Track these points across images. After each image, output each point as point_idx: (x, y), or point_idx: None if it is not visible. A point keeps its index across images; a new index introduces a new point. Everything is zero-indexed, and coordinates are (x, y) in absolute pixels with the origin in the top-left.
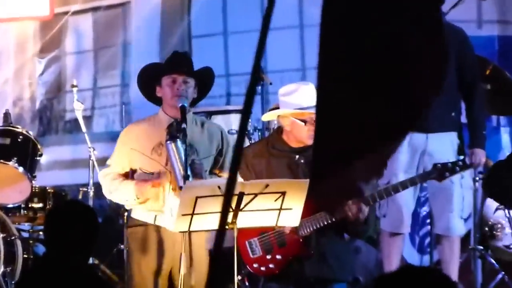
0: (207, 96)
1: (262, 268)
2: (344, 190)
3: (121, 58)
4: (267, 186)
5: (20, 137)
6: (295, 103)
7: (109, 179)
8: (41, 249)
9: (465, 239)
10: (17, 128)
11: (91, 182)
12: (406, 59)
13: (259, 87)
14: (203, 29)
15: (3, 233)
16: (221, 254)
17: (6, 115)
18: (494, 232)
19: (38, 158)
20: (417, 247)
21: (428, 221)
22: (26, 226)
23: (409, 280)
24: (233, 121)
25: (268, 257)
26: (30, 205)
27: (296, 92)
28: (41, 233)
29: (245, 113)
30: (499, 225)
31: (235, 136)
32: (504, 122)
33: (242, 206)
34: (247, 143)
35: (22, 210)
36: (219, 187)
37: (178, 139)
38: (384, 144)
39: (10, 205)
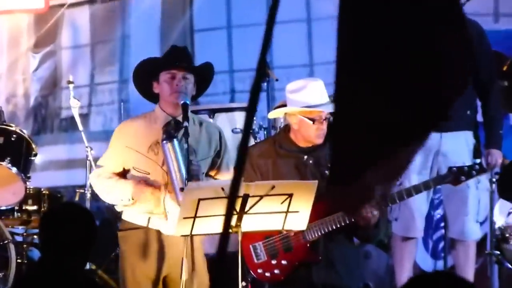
0: (210, 93)
1: (267, 274)
2: (365, 193)
3: (119, 53)
4: (273, 187)
5: (14, 136)
6: (303, 100)
7: (103, 179)
8: (35, 253)
9: (481, 244)
10: (11, 126)
11: (88, 183)
12: (428, 57)
13: (265, 84)
14: (206, 22)
15: None
16: (225, 259)
17: None
18: (508, 235)
19: (32, 158)
20: (431, 252)
21: (442, 224)
22: (19, 229)
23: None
24: (238, 119)
25: (273, 262)
26: (24, 208)
27: (305, 89)
28: (35, 237)
29: (250, 111)
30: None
31: (240, 135)
32: None
33: (246, 208)
34: (252, 142)
35: (15, 213)
36: (222, 189)
37: (175, 139)
38: (406, 145)
39: (3, 208)
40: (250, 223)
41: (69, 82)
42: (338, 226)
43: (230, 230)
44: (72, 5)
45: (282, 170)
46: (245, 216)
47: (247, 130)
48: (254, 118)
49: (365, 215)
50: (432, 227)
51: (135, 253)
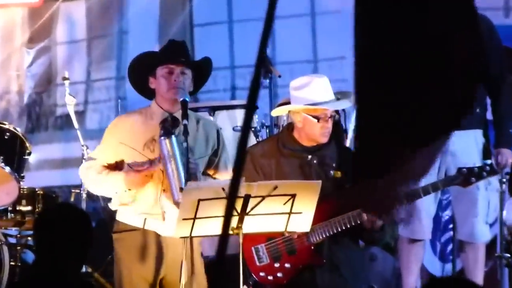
0: (211, 90)
1: (270, 277)
2: (390, 193)
3: (116, 49)
4: (275, 188)
5: (7, 134)
6: (307, 97)
7: (93, 172)
8: (29, 256)
9: (490, 246)
10: (4, 124)
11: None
12: (439, 55)
13: (267, 80)
14: (206, 16)
15: None
16: (224, 262)
17: None
18: None
19: (26, 157)
20: (439, 255)
21: (451, 226)
22: (13, 231)
23: None
24: (239, 117)
25: (276, 265)
26: (17, 208)
27: (309, 86)
28: (29, 238)
29: (249, 108)
30: None
31: None
32: None
33: (248, 209)
34: (254, 141)
35: (9, 214)
36: (223, 189)
37: (173, 135)
38: (428, 145)
39: None
40: (252, 225)
41: (65, 79)
42: (344, 228)
43: (231, 232)
44: None
45: (286, 170)
46: (246, 218)
47: (246, 128)
48: (256, 116)
49: (371, 217)
50: (440, 229)
51: (131, 255)
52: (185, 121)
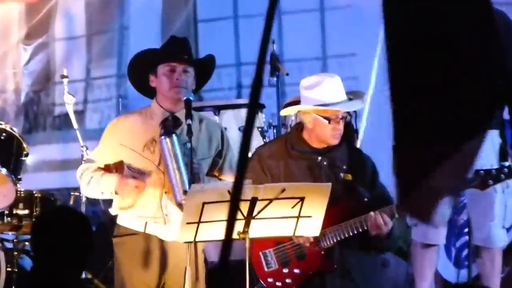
0: (216, 88)
1: (278, 283)
2: (433, 195)
3: (117, 45)
4: (283, 190)
5: (3, 134)
6: (318, 98)
7: (89, 172)
8: (26, 261)
9: (507, 251)
10: (0, 124)
11: None
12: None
13: (275, 78)
14: (210, 12)
15: None
16: (227, 267)
17: None
18: None
19: (23, 158)
20: (454, 260)
21: (466, 230)
22: (9, 235)
23: None
24: (245, 117)
25: (285, 271)
26: (14, 212)
27: (320, 86)
28: (26, 243)
29: (252, 107)
30: None
31: None
32: None
33: (255, 213)
34: (261, 141)
35: (5, 218)
36: (229, 192)
37: (174, 134)
38: (468, 142)
39: None
40: (259, 229)
41: (63, 77)
42: (355, 232)
43: (237, 237)
44: None
45: (294, 172)
46: (253, 221)
47: (249, 128)
48: (263, 115)
49: (377, 223)
50: (455, 233)
51: (132, 260)
52: (188, 121)
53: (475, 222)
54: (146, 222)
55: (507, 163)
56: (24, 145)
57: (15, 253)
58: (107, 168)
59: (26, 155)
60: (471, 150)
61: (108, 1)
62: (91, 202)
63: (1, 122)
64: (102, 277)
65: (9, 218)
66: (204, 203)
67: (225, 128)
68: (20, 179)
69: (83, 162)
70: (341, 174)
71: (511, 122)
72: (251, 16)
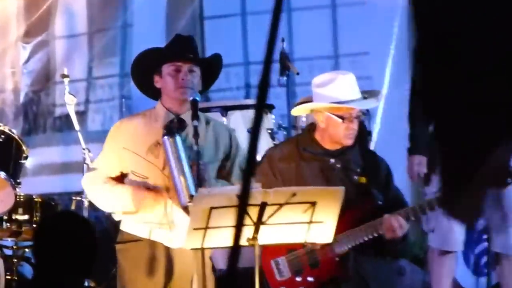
0: (223, 89)
1: None
2: (476, 198)
3: (120, 43)
4: (294, 195)
5: (1, 136)
6: (331, 95)
7: (97, 184)
8: (26, 269)
9: None
10: None
11: None
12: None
13: (285, 78)
14: (217, 8)
15: None
16: (235, 275)
17: None
18: None
19: (23, 161)
20: (472, 268)
21: (485, 236)
22: (9, 241)
23: None
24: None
25: (298, 279)
26: (13, 217)
27: (333, 83)
28: (26, 250)
29: (259, 107)
30: None
31: None
32: None
33: (264, 218)
34: (271, 143)
35: (4, 223)
36: (237, 196)
37: (177, 135)
38: (508, 144)
39: None
40: (269, 235)
41: (64, 76)
42: (370, 237)
43: (246, 243)
44: None
45: (306, 175)
46: (262, 227)
47: (257, 129)
48: (273, 116)
49: (392, 226)
50: (474, 239)
51: (136, 268)
52: (195, 122)
53: (494, 228)
54: (151, 228)
55: None
56: (24, 148)
57: (15, 260)
58: (115, 180)
59: (26, 158)
60: (507, 150)
61: None
62: (94, 207)
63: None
64: (106, 286)
65: (8, 224)
66: (211, 208)
67: (233, 130)
68: (19, 183)
69: (84, 165)
70: (355, 177)
71: None
72: (260, 12)
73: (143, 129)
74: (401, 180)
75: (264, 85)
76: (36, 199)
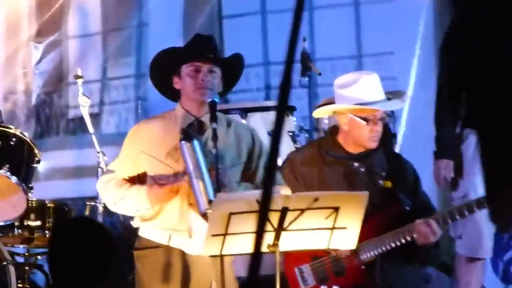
0: (242, 90)
1: None
2: None
3: (135, 43)
4: (316, 200)
5: (13, 139)
6: (355, 96)
7: (113, 186)
8: (39, 276)
9: None
10: (9, 128)
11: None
12: None
13: (306, 79)
14: (236, 7)
15: None
16: (257, 284)
17: None
18: None
19: (35, 165)
20: (501, 275)
21: None
22: (20, 248)
23: None
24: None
25: (323, 287)
26: (25, 223)
27: (357, 84)
28: (39, 257)
29: (281, 109)
30: None
31: None
32: None
33: (285, 224)
34: (292, 146)
35: (15, 229)
36: (257, 201)
37: (195, 139)
38: None
39: (1, 223)
40: (290, 241)
41: (77, 77)
42: (398, 244)
43: (266, 250)
44: None
45: (329, 180)
46: (283, 233)
47: (278, 131)
48: (294, 118)
49: (425, 232)
50: (502, 246)
51: (154, 275)
52: (213, 125)
53: None
54: (170, 235)
55: None
56: (36, 151)
57: (27, 267)
58: (131, 181)
59: (38, 161)
60: None
61: None
62: (109, 213)
63: (11, 126)
64: None
65: (19, 230)
66: (230, 214)
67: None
68: (31, 188)
69: (99, 169)
70: (380, 181)
71: None
72: (281, 11)
73: (162, 132)
74: (427, 185)
75: (285, 86)
76: (48, 205)
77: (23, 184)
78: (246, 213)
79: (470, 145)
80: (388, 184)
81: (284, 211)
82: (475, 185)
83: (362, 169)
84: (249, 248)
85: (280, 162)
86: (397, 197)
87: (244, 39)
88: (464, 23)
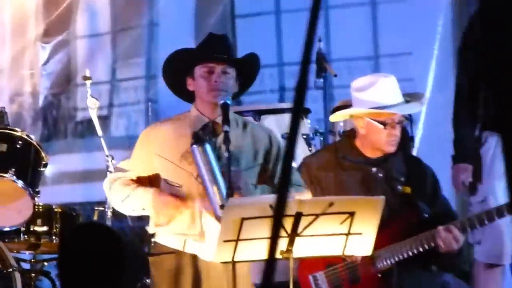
0: (256, 91)
1: None
2: None
3: (146, 43)
4: (331, 204)
5: (19, 142)
6: (372, 100)
7: (118, 185)
8: (45, 283)
9: None
10: (15, 131)
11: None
12: None
13: (321, 80)
14: (249, 6)
15: None
16: None
17: (2, 114)
18: None
19: (42, 169)
20: None
21: None
22: (26, 255)
23: None
24: (288, 122)
25: None
26: (31, 229)
27: (374, 87)
28: (45, 263)
29: (296, 112)
30: None
31: None
32: None
33: (299, 230)
34: (306, 150)
35: (21, 235)
36: (271, 206)
37: (207, 143)
38: None
39: (7, 229)
40: (304, 248)
41: (86, 78)
42: (415, 252)
43: (280, 256)
44: None
45: (346, 185)
46: (297, 239)
47: (293, 135)
48: (309, 121)
49: (447, 239)
50: None
51: (168, 281)
52: (226, 127)
53: None
54: (186, 240)
55: None
56: (43, 155)
57: (33, 274)
58: (140, 181)
59: (45, 165)
60: None
61: None
62: (118, 218)
63: (17, 129)
64: None
65: (26, 236)
66: (243, 219)
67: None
68: (38, 192)
69: (108, 173)
70: (399, 187)
71: None
72: (295, 10)
73: (176, 134)
74: (444, 190)
75: (301, 88)
76: (56, 210)
77: (30, 189)
78: (259, 218)
79: (490, 148)
80: (407, 189)
81: (297, 216)
82: (495, 190)
83: (380, 174)
84: (262, 255)
85: (295, 166)
86: (416, 204)
87: (258, 39)
88: (484, 20)
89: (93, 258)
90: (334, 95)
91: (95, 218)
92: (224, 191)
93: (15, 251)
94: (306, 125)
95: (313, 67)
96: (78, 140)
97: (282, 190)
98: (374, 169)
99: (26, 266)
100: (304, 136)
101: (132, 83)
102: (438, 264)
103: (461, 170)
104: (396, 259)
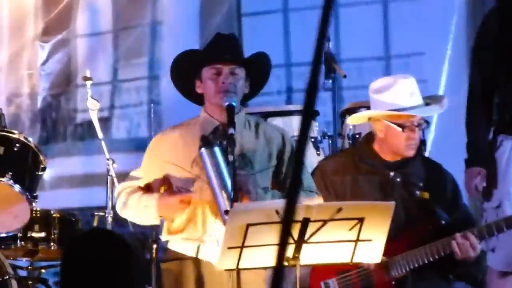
0: (263, 93)
1: None
2: None
3: (149, 43)
4: (339, 210)
5: (17, 145)
6: (390, 102)
7: (126, 193)
8: None
9: None
10: (13, 133)
11: (109, 204)
12: None
13: (330, 81)
14: (256, 4)
15: None
16: None
17: None
18: None
19: (40, 172)
20: None
21: None
22: (23, 262)
23: None
24: (296, 125)
25: None
26: (29, 235)
27: (392, 88)
28: (43, 271)
29: (307, 114)
30: None
31: None
32: None
33: (306, 236)
34: (314, 153)
35: (18, 241)
36: (277, 212)
37: (216, 146)
38: None
39: (4, 235)
40: (311, 255)
41: (86, 79)
42: (431, 259)
43: (286, 263)
44: None
45: (363, 190)
46: (305, 246)
47: (304, 138)
48: (317, 123)
49: (464, 246)
50: None
51: (178, 287)
52: (231, 130)
53: None
54: (199, 246)
55: None
56: (41, 158)
57: (30, 282)
58: (149, 188)
59: (43, 169)
60: None
61: None
62: (119, 223)
63: (14, 131)
64: None
65: (22, 242)
66: (248, 225)
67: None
68: (36, 197)
69: (108, 177)
70: (417, 192)
71: None
72: (303, 9)
73: (186, 140)
74: None
75: (312, 89)
76: (54, 215)
77: (27, 193)
78: (264, 225)
79: (505, 152)
80: (425, 195)
81: (305, 222)
82: (510, 195)
83: (398, 179)
84: (267, 262)
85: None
86: (434, 210)
87: (265, 38)
88: (501, 19)
89: (101, 266)
90: (343, 96)
91: (95, 223)
92: (232, 196)
93: (11, 258)
94: (314, 128)
95: (321, 68)
96: (78, 143)
97: (291, 195)
98: (392, 174)
99: (23, 273)
100: (312, 139)
101: (134, 83)
102: (454, 272)
103: (474, 174)
104: (411, 266)
